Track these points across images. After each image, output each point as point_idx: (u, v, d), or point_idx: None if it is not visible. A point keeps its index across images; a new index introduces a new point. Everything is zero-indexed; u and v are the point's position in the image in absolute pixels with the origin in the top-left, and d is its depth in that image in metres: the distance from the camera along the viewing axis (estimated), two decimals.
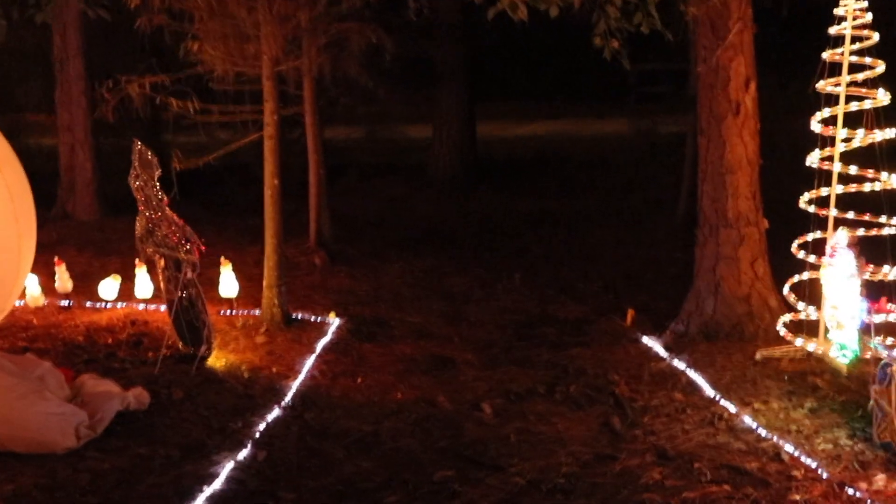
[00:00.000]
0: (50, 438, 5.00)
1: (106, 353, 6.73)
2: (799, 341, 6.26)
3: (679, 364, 6.28)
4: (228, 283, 7.57)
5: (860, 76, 6.12)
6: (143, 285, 7.61)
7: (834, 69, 6.22)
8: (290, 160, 12.82)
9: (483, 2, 6.33)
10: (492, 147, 17.79)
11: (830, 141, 6.21)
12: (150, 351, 6.71)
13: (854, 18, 6.12)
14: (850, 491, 4.45)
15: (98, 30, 11.64)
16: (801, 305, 6.39)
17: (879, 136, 6.05)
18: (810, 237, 6.31)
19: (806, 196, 6.35)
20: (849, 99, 6.17)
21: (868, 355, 5.85)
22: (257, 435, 5.31)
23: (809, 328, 6.41)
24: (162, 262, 6.63)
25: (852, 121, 6.17)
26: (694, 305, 6.90)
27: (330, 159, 14.51)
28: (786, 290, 6.50)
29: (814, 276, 6.27)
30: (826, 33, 6.25)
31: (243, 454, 5.05)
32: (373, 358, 6.72)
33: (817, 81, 6.23)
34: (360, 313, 7.82)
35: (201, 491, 4.62)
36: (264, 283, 7.28)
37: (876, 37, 6.10)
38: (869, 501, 4.37)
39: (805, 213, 6.35)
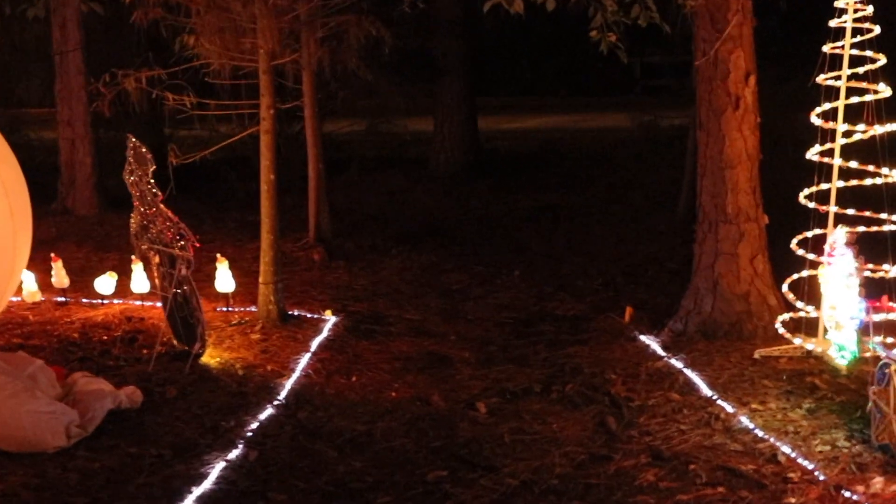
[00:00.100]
0: (40, 437, 4.96)
1: (100, 350, 6.68)
2: (798, 340, 6.19)
3: (676, 363, 6.22)
4: (224, 280, 7.53)
5: (861, 69, 6.03)
6: (140, 282, 7.56)
7: (834, 62, 6.14)
8: (290, 154, 12.84)
9: None
10: (494, 141, 17.72)
11: (830, 135, 6.14)
12: (145, 348, 6.67)
13: (855, 11, 6.03)
14: (847, 494, 4.38)
15: (98, 24, 11.61)
16: (800, 304, 6.31)
17: (880, 130, 5.96)
18: (810, 234, 6.23)
19: (805, 191, 6.27)
20: (849, 92, 6.09)
21: (868, 355, 5.78)
22: (249, 434, 5.26)
23: (809, 327, 6.33)
24: (157, 259, 6.58)
25: (853, 115, 6.09)
26: (692, 303, 6.83)
27: (331, 153, 14.49)
28: (785, 287, 6.43)
29: (813, 274, 6.20)
30: (826, 26, 6.16)
31: (235, 454, 5.00)
32: (369, 356, 6.66)
33: (817, 75, 6.15)
34: (357, 310, 7.77)
35: (190, 492, 4.58)
36: (260, 279, 7.23)
37: (877, 29, 6.01)
38: None
39: (807, 208, 6.27)
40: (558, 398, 5.83)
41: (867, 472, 4.59)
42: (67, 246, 10.04)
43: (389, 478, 4.77)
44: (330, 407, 5.70)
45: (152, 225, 6.42)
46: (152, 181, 6.31)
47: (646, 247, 9.90)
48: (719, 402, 5.57)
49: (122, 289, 7.82)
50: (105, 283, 7.72)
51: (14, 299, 7.70)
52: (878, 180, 6.07)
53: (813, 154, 6.24)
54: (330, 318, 7.38)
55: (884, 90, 5.99)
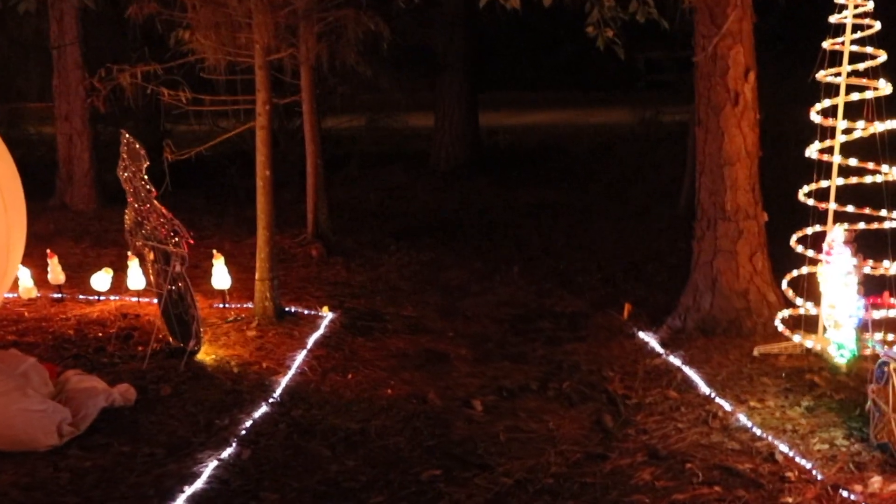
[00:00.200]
0: (32, 436, 4.92)
1: (95, 347, 6.65)
2: (797, 337, 6.14)
3: (675, 360, 6.17)
4: (220, 276, 7.49)
5: (861, 66, 5.97)
6: (135, 278, 7.52)
7: (835, 59, 6.08)
8: (290, 150, 12.81)
9: None
10: (496, 136, 17.68)
11: (830, 132, 6.08)
12: (140, 345, 6.64)
13: (855, 7, 5.97)
14: (845, 493, 4.34)
15: (96, 18, 11.56)
16: (799, 301, 6.26)
17: (881, 127, 5.91)
18: (809, 231, 6.18)
19: (805, 189, 6.22)
20: (849, 89, 6.03)
21: (867, 352, 5.74)
22: (243, 432, 5.22)
23: (808, 324, 6.28)
24: (151, 256, 6.55)
25: (853, 112, 6.03)
26: (691, 300, 6.78)
27: (331, 149, 14.46)
28: (784, 284, 6.38)
29: (813, 271, 6.15)
30: (827, 22, 6.10)
31: (228, 452, 4.96)
32: (365, 353, 6.62)
33: (817, 71, 6.09)
34: (354, 306, 7.73)
35: (182, 491, 4.54)
36: (256, 276, 7.19)
37: (877, 25, 5.95)
38: None
39: (807, 205, 6.22)
40: (555, 396, 5.79)
41: (865, 472, 4.55)
42: (65, 242, 10.01)
43: (383, 477, 4.73)
44: (325, 405, 5.66)
45: (146, 221, 6.38)
46: (146, 177, 6.27)
47: (646, 243, 9.85)
48: (717, 399, 5.52)
49: (119, 285, 7.79)
50: (101, 280, 7.69)
51: (10, 296, 7.68)
52: (878, 178, 6.02)
53: (812, 151, 6.18)
54: (327, 315, 7.34)
55: (884, 87, 5.93)
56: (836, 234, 5.79)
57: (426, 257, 9.52)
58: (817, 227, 6.16)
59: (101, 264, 8.25)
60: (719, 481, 4.54)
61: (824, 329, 6.05)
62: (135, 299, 7.68)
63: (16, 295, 7.79)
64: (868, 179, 6.09)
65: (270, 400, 5.68)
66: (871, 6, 5.96)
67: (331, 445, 5.09)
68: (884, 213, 5.99)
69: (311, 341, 6.72)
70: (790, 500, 4.34)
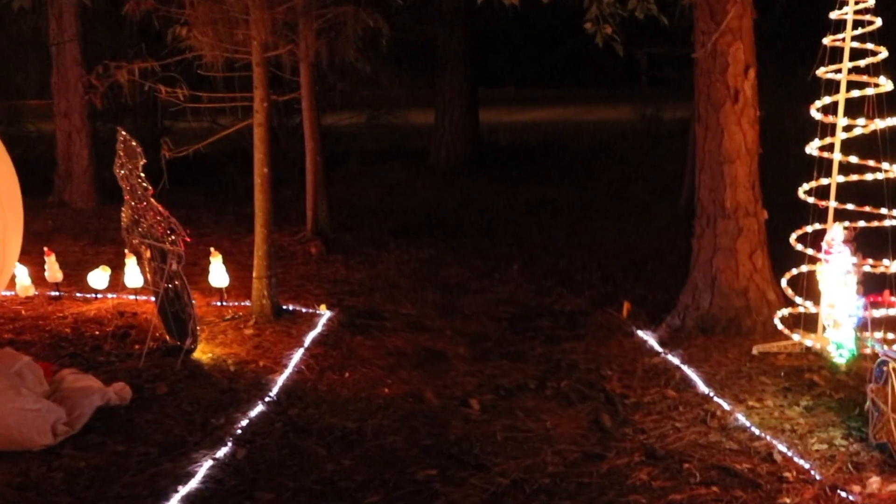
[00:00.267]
0: (26, 436, 4.89)
1: (92, 345, 6.63)
2: (796, 336, 6.11)
3: (673, 359, 6.14)
4: (218, 274, 7.46)
5: (862, 62, 5.93)
6: (133, 276, 7.49)
7: (835, 55, 6.04)
8: (290, 147, 12.78)
9: None
10: (496, 134, 17.64)
11: (831, 129, 6.04)
12: (137, 343, 6.61)
13: (856, 3, 5.92)
14: (843, 494, 4.30)
15: (94, 15, 11.53)
16: (799, 299, 6.23)
17: (881, 124, 5.86)
18: (809, 229, 6.14)
19: (805, 186, 6.18)
20: (850, 86, 5.98)
21: (867, 350, 5.70)
22: (239, 432, 5.19)
23: (808, 322, 6.25)
24: (148, 253, 6.52)
25: (854, 109, 5.98)
26: (690, 298, 6.75)
27: (331, 146, 14.42)
28: (784, 283, 6.34)
29: (812, 269, 6.11)
30: (827, 18, 6.06)
31: (223, 452, 4.93)
32: (363, 351, 6.59)
33: (818, 68, 6.05)
34: (353, 304, 7.70)
35: (176, 491, 4.51)
36: (254, 273, 7.17)
37: (878, 22, 5.90)
38: None
39: (808, 203, 6.17)
40: (553, 395, 5.75)
41: (864, 472, 4.51)
42: (63, 239, 10.00)
43: (379, 476, 4.69)
44: (321, 404, 5.63)
45: (143, 219, 6.36)
46: (142, 175, 6.24)
47: (646, 241, 9.81)
48: (716, 399, 5.49)
49: (117, 283, 7.76)
50: (98, 278, 7.66)
51: (7, 294, 7.67)
52: (879, 175, 5.97)
53: (812, 149, 6.14)
54: (325, 313, 7.31)
55: (885, 84, 5.88)
56: (836, 232, 5.75)
57: (425, 255, 9.49)
58: (817, 226, 6.12)
59: (100, 262, 8.23)
60: (717, 481, 4.50)
61: (824, 328, 6.01)
62: (132, 297, 7.66)
63: (13, 293, 7.77)
64: (869, 177, 6.04)
65: (267, 399, 5.65)
66: (871, 2, 5.91)
67: (327, 445, 5.05)
68: (884, 211, 5.94)
69: (308, 340, 6.69)
70: (788, 500, 4.31)
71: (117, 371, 6.07)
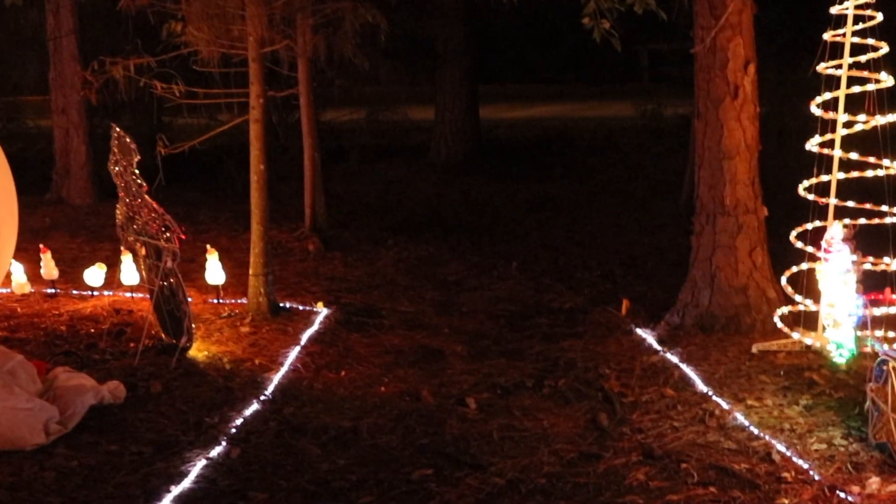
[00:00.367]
0: (18, 435, 4.85)
1: (87, 343, 6.59)
2: (796, 335, 6.06)
3: (672, 357, 6.09)
4: (214, 271, 7.41)
5: (863, 58, 5.87)
6: (129, 273, 7.45)
7: (836, 50, 5.97)
8: (289, 143, 12.74)
9: None
10: (497, 130, 17.59)
11: (831, 126, 5.98)
12: (133, 341, 6.56)
13: None
14: (842, 495, 4.25)
15: (92, 10, 11.49)
16: (798, 297, 6.17)
17: (882, 120, 5.80)
18: (809, 226, 6.08)
19: (805, 183, 6.12)
20: (851, 82, 5.92)
21: (868, 349, 5.65)
22: (233, 431, 5.15)
23: (808, 320, 6.19)
24: (143, 251, 6.48)
25: (855, 105, 5.93)
26: (689, 296, 6.69)
27: (331, 142, 14.39)
28: (783, 281, 6.28)
29: (813, 267, 6.05)
30: (828, 13, 6.00)
31: (217, 451, 4.89)
32: (360, 349, 6.55)
33: (818, 63, 5.99)
34: (350, 302, 7.66)
35: (169, 491, 4.46)
36: (250, 271, 7.11)
37: (879, 17, 5.84)
38: None
39: (809, 200, 6.12)
40: (550, 393, 5.70)
41: (863, 472, 4.46)
42: (61, 236, 9.97)
43: (373, 476, 4.65)
44: (317, 402, 5.59)
45: (138, 216, 6.31)
46: (137, 171, 6.19)
47: (646, 238, 9.77)
48: (714, 398, 5.44)
49: (113, 280, 7.72)
50: (94, 275, 7.62)
51: (2, 291, 7.63)
52: (880, 172, 5.91)
53: (813, 145, 6.08)
54: (322, 311, 7.27)
55: (886, 79, 5.82)
56: (835, 231, 5.69)
57: (424, 252, 9.45)
58: (818, 223, 6.06)
59: (97, 259, 8.18)
60: (715, 482, 4.46)
61: (823, 328, 5.96)
62: (128, 295, 7.61)
63: (9, 290, 7.73)
64: (869, 174, 5.98)
65: (262, 397, 5.60)
66: None
67: (321, 444, 5.01)
68: (885, 208, 5.88)
69: (304, 337, 6.65)
70: (786, 501, 4.26)
71: (112, 369, 6.02)
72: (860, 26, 5.88)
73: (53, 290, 7.80)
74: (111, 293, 7.67)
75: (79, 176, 11.63)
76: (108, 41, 11.37)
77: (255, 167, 7.07)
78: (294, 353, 6.35)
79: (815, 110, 6.03)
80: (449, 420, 5.33)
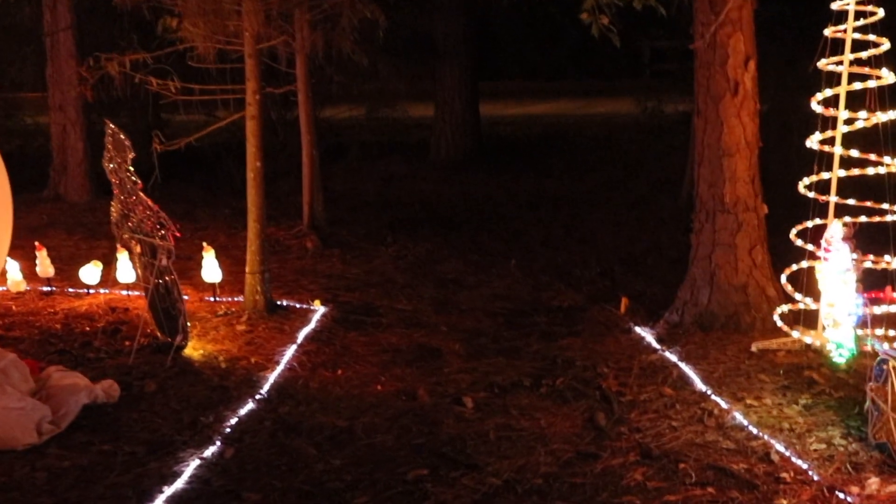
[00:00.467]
0: (10, 435, 4.82)
1: (82, 341, 6.55)
2: (796, 333, 6.00)
3: (671, 356, 6.04)
4: (211, 269, 7.37)
5: (864, 54, 5.81)
6: (125, 271, 7.40)
7: (837, 46, 5.91)
8: (288, 140, 12.68)
9: None
10: (498, 127, 17.53)
11: (832, 122, 5.92)
12: (128, 340, 6.52)
13: None
14: (841, 495, 4.21)
15: (90, 6, 11.43)
16: (798, 296, 6.12)
17: (883, 117, 5.75)
18: (810, 224, 6.03)
19: (805, 181, 6.06)
20: (852, 78, 5.87)
21: (868, 347, 5.60)
22: (228, 430, 5.11)
23: (808, 319, 6.14)
24: (138, 248, 6.43)
25: (855, 101, 5.87)
26: (689, 294, 6.64)
27: (331, 138, 14.33)
28: (783, 279, 6.23)
29: (813, 265, 6.00)
30: (829, 9, 5.94)
31: (211, 451, 4.85)
32: (356, 348, 6.50)
33: (818, 59, 5.93)
34: (348, 300, 7.62)
35: (161, 491, 4.42)
36: (247, 269, 7.07)
37: (881, 12, 5.78)
38: None
39: (810, 197, 6.06)
40: (548, 393, 5.65)
41: (863, 472, 4.42)
42: (58, 233, 9.93)
43: (368, 476, 4.61)
44: (312, 401, 5.54)
45: (132, 214, 6.27)
46: (131, 168, 6.15)
47: (646, 235, 9.71)
48: (713, 397, 5.39)
49: (109, 278, 7.67)
50: (90, 273, 7.58)
51: None
52: (881, 169, 5.85)
53: (813, 142, 6.02)
54: (319, 309, 7.22)
55: (887, 76, 5.76)
56: (835, 229, 5.64)
57: (423, 249, 9.40)
58: (818, 221, 6.00)
59: (94, 257, 8.14)
60: (713, 482, 4.41)
61: (823, 327, 5.90)
62: (124, 293, 7.57)
63: (4, 288, 7.69)
64: (870, 171, 5.93)
65: (257, 396, 5.56)
66: None
67: (316, 444, 4.97)
68: (886, 206, 5.83)
69: (301, 336, 6.60)
70: (785, 501, 4.21)
71: (106, 368, 5.99)
72: (861, 22, 5.82)
73: (49, 288, 7.76)
74: (107, 291, 7.62)
75: (76, 173, 11.58)
76: (106, 38, 11.31)
77: (252, 164, 7.03)
78: (290, 351, 6.30)
79: (816, 107, 5.97)
80: (445, 419, 5.28)
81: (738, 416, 5.08)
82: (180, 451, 4.84)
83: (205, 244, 7.47)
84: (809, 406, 5.19)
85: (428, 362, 6.26)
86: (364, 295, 7.82)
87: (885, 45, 5.78)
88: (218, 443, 4.94)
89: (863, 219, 5.83)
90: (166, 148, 7.09)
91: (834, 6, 5.89)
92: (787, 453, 4.63)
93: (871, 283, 5.88)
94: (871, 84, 5.79)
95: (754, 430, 4.91)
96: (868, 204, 5.88)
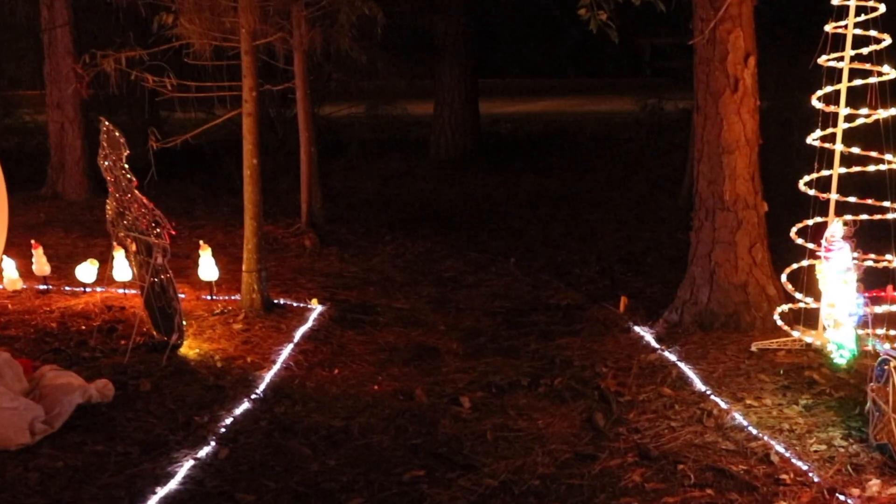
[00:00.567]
0: (2, 434, 4.75)
1: (77, 340, 6.49)
2: (796, 333, 5.95)
3: (670, 356, 5.98)
4: (207, 267, 7.32)
5: (865, 50, 5.75)
6: (121, 269, 7.35)
7: (838, 42, 5.86)
8: (287, 137, 12.63)
9: None
10: (497, 125, 17.47)
11: (832, 119, 5.86)
12: (123, 338, 6.47)
13: None
14: (842, 497, 4.16)
15: (88, 4, 11.38)
16: (799, 295, 6.06)
17: (884, 114, 5.69)
18: (810, 222, 5.97)
19: (806, 178, 6.01)
20: (853, 74, 5.80)
21: (870, 347, 5.54)
22: (222, 430, 5.05)
23: (809, 318, 6.09)
24: (134, 247, 6.38)
25: (856, 98, 5.81)
26: (688, 293, 6.58)
27: (331, 136, 14.28)
28: (784, 278, 6.18)
29: (814, 264, 5.94)
30: (830, 4, 5.88)
31: (205, 451, 4.80)
32: (354, 347, 6.46)
33: (819, 55, 5.87)
34: (346, 298, 7.57)
35: (154, 492, 4.38)
36: (243, 267, 7.02)
37: (882, 8, 5.72)
38: None
39: (811, 195, 6.00)
40: (546, 392, 5.61)
41: (863, 474, 4.36)
42: (55, 231, 9.89)
43: (364, 477, 4.56)
44: (309, 401, 5.50)
45: (128, 211, 6.22)
46: (126, 166, 6.10)
47: (646, 234, 9.67)
48: (713, 397, 5.33)
49: (106, 276, 7.63)
50: (86, 271, 7.53)
51: None
52: (882, 167, 5.80)
53: (813, 139, 5.96)
54: (316, 308, 7.17)
55: (888, 72, 5.71)
56: (835, 228, 5.58)
57: (421, 248, 9.36)
58: (818, 219, 5.94)
59: (91, 255, 8.10)
60: (712, 484, 4.36)
61: (824, 327, 5.85)
62: (121, 291, 7.52)
63: (1, 287, 7.64)
64: (871, 168, 5.87)
65: (253, 396, 5.51)
66: None
67: (312, 444, 4.92)
68: (887, 204, 5.77)
69: (298, 335, 6.55)
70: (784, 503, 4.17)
71: (101, 367, 5.94)
72: (862, 18, 5.76)
73: (45, 287, 7.71)
74: (104, 289, 7.57)
75: (74, 171, 11.54)
76: (104, 35, 11.28)
77: (248, 161, 6.98)
78: (287, 350, 6.25)
79: (817, 104, 5.91)
80: (442, 420, 5.23)
81: (738, 417, 5.02)
82: (174, 452, 4.79)
83: (201, 242, 7.43)
84: (810, 406, 5.13)
85: (425, 361, 6.22)
86: (362, 293, 7.78)
87: (887, 40, 5.72)
88: (212, 443, 4.89)
89: (864, 217, 5.77)
90: (163, 146, 7.03)
91: (835, 1, 5.83)
92: (787, 454, 4.57)
93: (872, 282, 5.83)
94: (873, 80, 5.72)
95: (754, 431, 4.86)
96: (869, 202, 5.82)
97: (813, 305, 6.02)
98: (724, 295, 6.43)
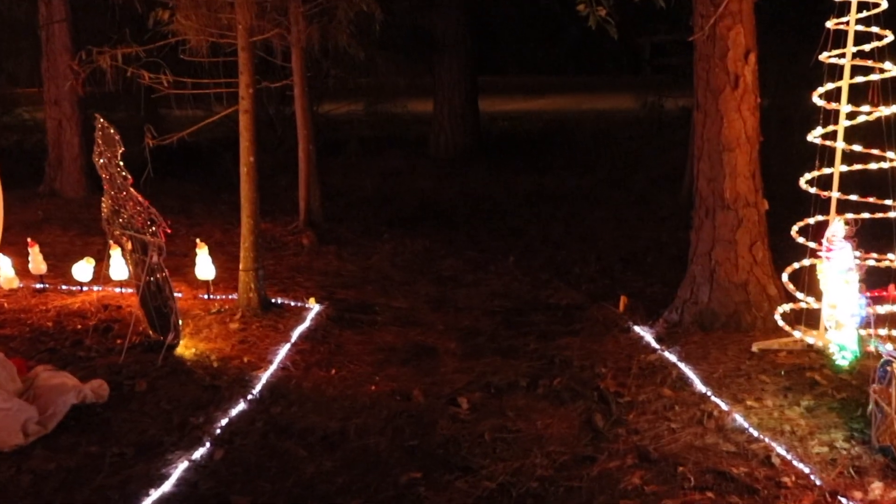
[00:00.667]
0: None
1: (73, 340, 6.44)
2: (797, 333, 5.89)
3: (670, 356, 5.92)
4: (204, 266, 7.27)
5: (867, 47, 5.69)
6: (117, 268, 7.30)
7: (839, 39, 5.80)
8: (287, 135, 12.57)
9: None
10: (497, 122, 17.41)
11: (834, 116, 5.80)
12: (120, 338, 6.43)
13: None
14: (844, 500, 4.10)
15: (85, 1, 11.33)
16: (800, 294, 6.01)
17: (886, 111, 5.63)
18: (811, 220, 5.91)
19: (807, 176, 5.95)
20: (854, 71, 5.75)
21: (872, 348, 5.49)
22: (218, 431, 5.00)
23: (810, 318, 6.03)
24: (129, 245, 6.33)
25: (858, 95, 5.75)
26: (688, 293, 6.53)
27: (329, 134, 14.23)
28: (785, 277, 6.12)
29: (815, 263, 5.88)
30: (831, 0, 5.82)
31: (200, 453, 4.75)
32: (351, 347, 6.41)
33: (820, 52, 5.81)
34: (343, 297, 7.52)
35: (148, 494, 4.33)
36: (240, 266, 6.97)
37: (884, 4, 5.66)
38: None
39: (812, 193, 5.95)
40: (545, 393, 5.55)
41: (866, 477, 4.31)
42: (52, 229, 9.83)
43: (360, 479, 4.51)
44: (305, 402, 5.44)
45: (123, 209, 6.17)
46: (121, 163, 6.05)
47: (646, 232, 9.61)
48: (713, 398, 5.27)
49: (103, 274, 7.58)
50: (82, 270, 7.48)
51: None
52: (884, 164, 5.74)
53: (815, 136, 5.91)
54: (314, 307, 7.12)
55: (890, 69, 5.65)
56: (837, 228, 5.52)
57: (420, 246, 9.30)
58: (819, 217, 5.89)
59: (88, 253, 8.06)
60: (712, 486, 4.31)
61: (826, 328, 5.79)
62: (118, 290, 7.47)
63: None
64: (873, 166, 5.82)
65: (249, 397, 5.46)
66: None
67: (308, 445, 4.87)
68: (889, 202, 5.72)
69: (295, 334, 6.50)
70: None
71: (97, 367, 5.89)
72: (864, 14, 5.70)
73: (42, 285, 7.66)
74: (100, 288, 7.52)
75: (72, 168, 11.49)
76: (101, 32, 11.22)
77: (245, 159, 6.93)
78: (284, 350, 6.20)
79: (818, 101, 5.86)
80: (440, 421, 5.18)
81: (739, 418, 4.97)
82: (169, 453, 4.74)
83: (198, 240, 7.37)
84: (811, 408, 5.08)
85: (423, 362, 6.16)
86: (360, 292, 7.73)
87: (889, 37, 5.67)
88: (207, 444, 4.84)
89: (865, 215, 5.71)
90: (159, 143, 6.97)
91: None
92: (789, 457, 4.52)
93: (874, 281, 5.77)
94: (875, 77, 5.67)
95: (755, 433, 4.81)
96: (870, 200, 5.76)
97: (814, 305, 5.96)
98: (724, 294, 6.37)
